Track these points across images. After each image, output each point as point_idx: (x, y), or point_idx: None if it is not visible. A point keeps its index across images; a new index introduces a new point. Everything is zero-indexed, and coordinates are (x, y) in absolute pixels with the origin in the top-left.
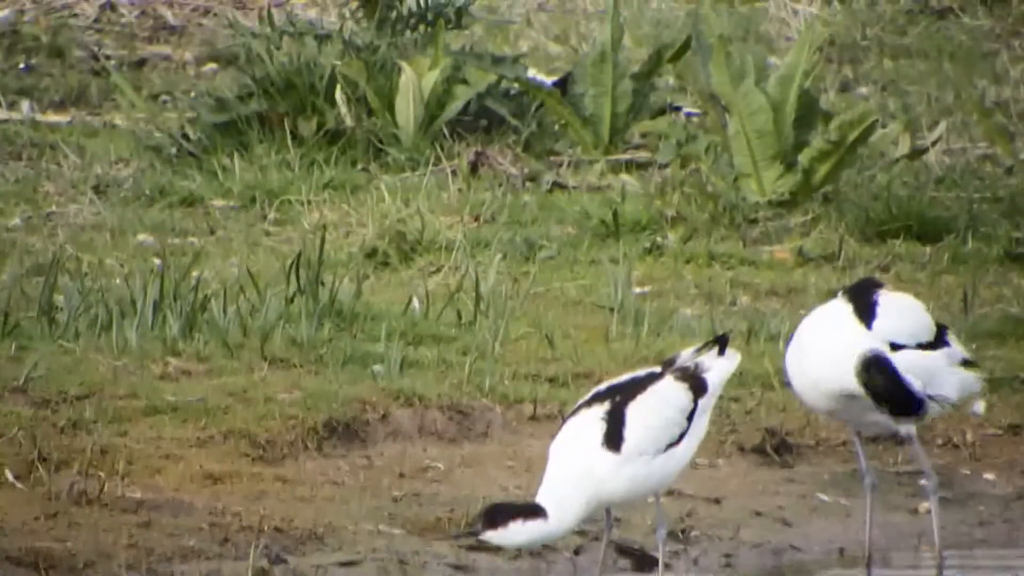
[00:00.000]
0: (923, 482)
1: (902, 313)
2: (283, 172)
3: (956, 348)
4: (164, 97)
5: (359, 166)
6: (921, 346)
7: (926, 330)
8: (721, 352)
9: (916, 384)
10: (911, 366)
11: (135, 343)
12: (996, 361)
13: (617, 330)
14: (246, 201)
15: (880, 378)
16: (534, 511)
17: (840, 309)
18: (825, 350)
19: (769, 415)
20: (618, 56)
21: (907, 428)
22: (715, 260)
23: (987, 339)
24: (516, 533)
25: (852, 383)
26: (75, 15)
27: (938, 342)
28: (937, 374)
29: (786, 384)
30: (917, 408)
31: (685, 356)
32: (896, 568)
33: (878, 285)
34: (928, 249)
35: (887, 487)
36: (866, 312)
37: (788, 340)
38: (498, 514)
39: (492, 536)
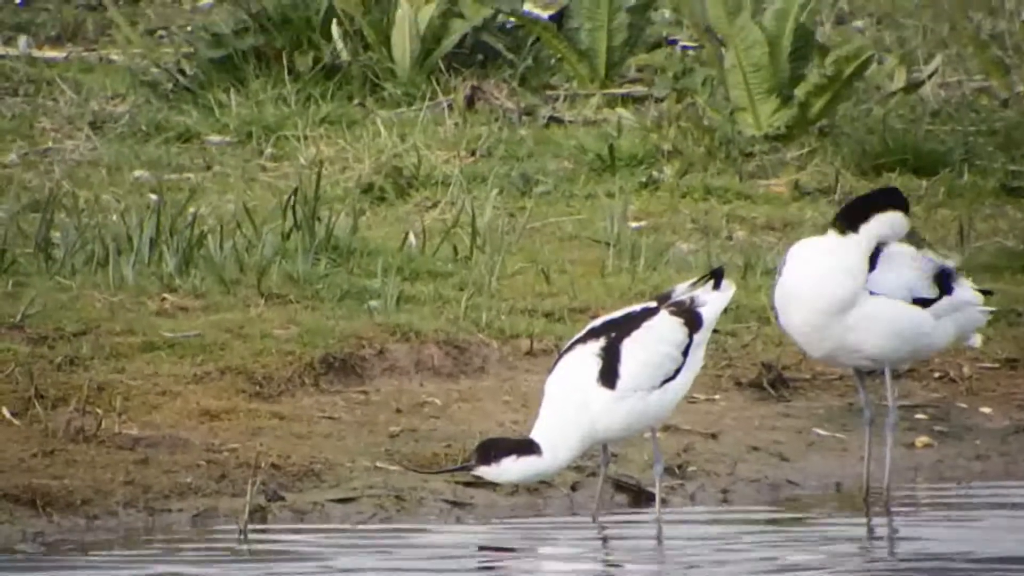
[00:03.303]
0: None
1: (901, 266)
2: (279, 107)
3: (962, 293)
4: (160, 32)
5: (355, 101)
6: (918, 301)
7: (925, 286)
8: (716, 286)
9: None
10: (897, 320)
11: (132, 279)
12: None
13: (613, 264)
14: (242, 136)
15: None
16: (528, 447)
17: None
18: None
19: (765, 349)
20: None
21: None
22: (711, 194)
23: (983, 272)
24: (509, 469)
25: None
26: None
27: (942, 293)
28: (924, 330)
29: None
30: None
31: (680, 290)
32: (892, 503)
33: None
34: (924, 183)
35: (883, 421)
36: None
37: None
38: (492, 449)
39: (485, 472)
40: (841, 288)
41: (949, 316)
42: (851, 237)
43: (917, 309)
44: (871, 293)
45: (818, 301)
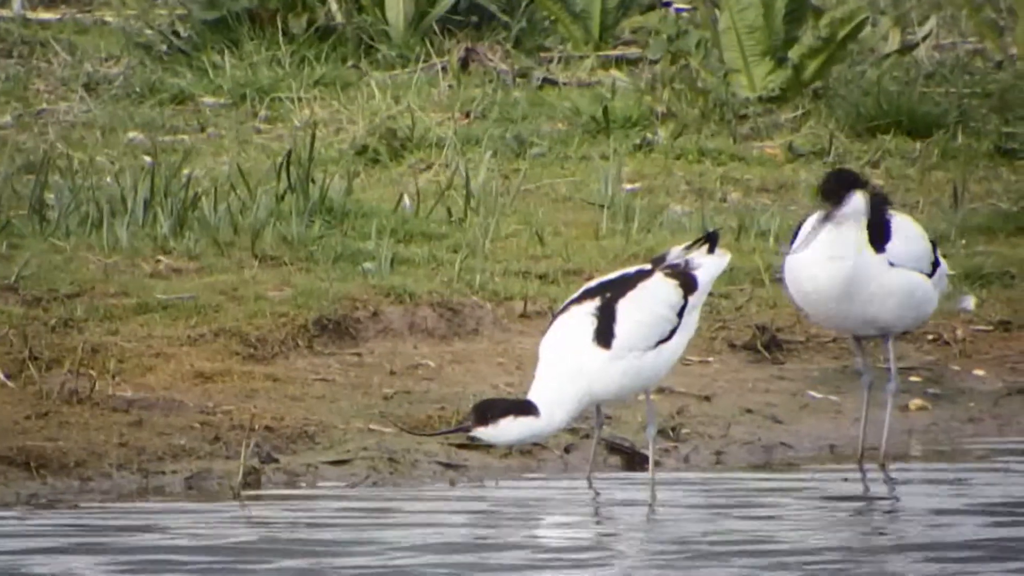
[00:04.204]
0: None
1: (912, 239)
2: (273, 69)
3: (944, 263)
4: None
5: (349, 63)
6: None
7: (927, 260)
8: (711, 249)
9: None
10: (914, 291)
11: (126, 241)
12: (986, 256)
13: (607, 227)
14: (236, 98)
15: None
16: (525, 407)
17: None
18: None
19: (759, 312)
20: None
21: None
22: (705, 156)
23: (977, 234)
24: (507, 429)
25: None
26: None
27: (935, 267)
28: (929, 297)
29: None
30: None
31: (675, 253)
32: (888, 466)
33: (886, 203)
34: (918, 144)
35: (877, 384)
36: (879, 233)
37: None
38: (489, 410)
39: (482, 432)
40: (836, 273)
41: (938, 285)
42: (829, 225)
43: (926, 278)
44: (890, 264)
45: (823, 291)
